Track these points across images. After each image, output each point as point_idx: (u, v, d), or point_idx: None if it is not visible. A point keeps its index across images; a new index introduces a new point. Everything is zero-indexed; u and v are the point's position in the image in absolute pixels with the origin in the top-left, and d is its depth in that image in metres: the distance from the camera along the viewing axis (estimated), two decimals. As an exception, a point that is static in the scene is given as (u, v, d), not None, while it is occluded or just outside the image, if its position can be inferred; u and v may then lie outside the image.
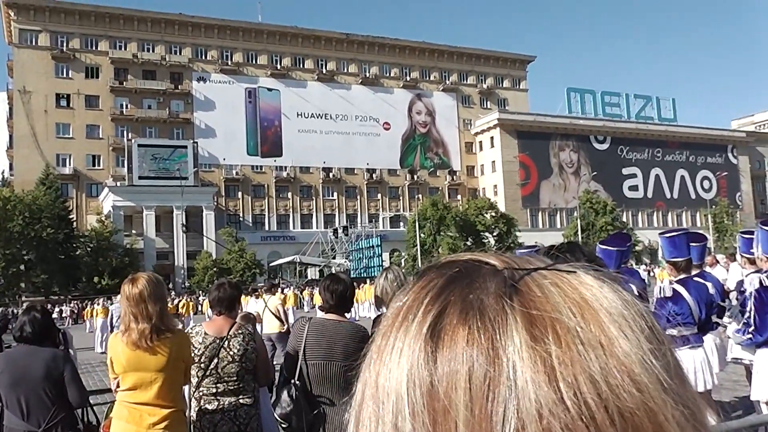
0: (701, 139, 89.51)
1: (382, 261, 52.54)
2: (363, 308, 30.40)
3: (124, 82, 66.98)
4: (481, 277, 0.46)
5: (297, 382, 4.09)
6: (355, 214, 74.20)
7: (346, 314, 4.39)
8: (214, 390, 4.06)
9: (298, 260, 50.71)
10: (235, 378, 4.11)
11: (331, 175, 74.45)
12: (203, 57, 71.10)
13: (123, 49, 67.68)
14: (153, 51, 68.86)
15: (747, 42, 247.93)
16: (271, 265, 56.65)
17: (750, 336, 5.35)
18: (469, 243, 62.40)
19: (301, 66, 75.67)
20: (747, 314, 5.53)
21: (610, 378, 0.39)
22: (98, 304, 26.77)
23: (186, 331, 4.27)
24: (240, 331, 4.21)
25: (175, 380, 3.75)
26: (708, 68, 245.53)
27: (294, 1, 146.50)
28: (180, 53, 70.05)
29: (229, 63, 71.63)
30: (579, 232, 65.99)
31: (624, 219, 75.20)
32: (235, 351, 4.13)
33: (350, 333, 4.10)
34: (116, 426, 3.68)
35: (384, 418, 0.42)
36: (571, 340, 0.40)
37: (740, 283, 7.79)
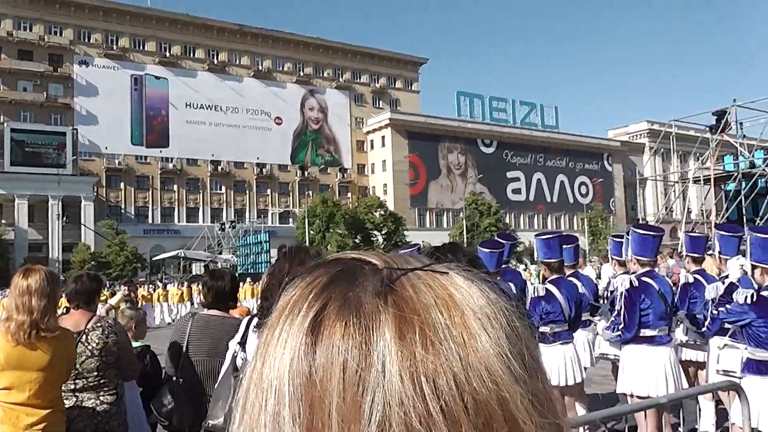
0: (580, 146, 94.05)
1: (270, 257, 51.90)
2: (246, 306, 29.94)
3: (-3, 61, 62.73)
4: (362, 275, 0.49)
5: (179, 380, 4.00)
6: (243, 209, 72.94)
7: (231, 311, 4.34)
8: (72, 386, 3.86)
9: (183, 255, 49.13)
10: (95, 373, 3.93)
11: (219, 168, 72.79)
12: (86, 40, 67.60)
13: (-4, 26, 63.37)
14: (30, 30, 64.77)
15: (625, 57, 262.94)
16: (153, 259, 54.65)
17: (619, 333, 5.68)
18: (357, 241, 62.77)
19: (192, 55, 73.52)
20: (616, 312, 5.88)
21: (469, 371, 0.43)
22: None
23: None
24: (99, 324, 4.01)
25: (56, 380, 3.59)
26: (589, 80, 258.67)
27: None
28: (61, 34, 66.30)
29: (115, 48, 68.53)
30: (464, 233, 67.79)
31: (507, 221, 77.86)
32: (94, 345, 3.92)
33: (235, 329, 4.05)
34: (-10, 427, 3.48)
35: (266, 406, 0.46)
36: (435, 337, 0.44)
37: (611, 282, 8.29)
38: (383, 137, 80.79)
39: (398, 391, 0.42)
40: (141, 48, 70.44)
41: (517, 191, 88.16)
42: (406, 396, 0.42)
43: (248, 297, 26.27)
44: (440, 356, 0.44)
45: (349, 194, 79.28)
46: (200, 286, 4.47)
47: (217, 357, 3.93)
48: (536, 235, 6.67)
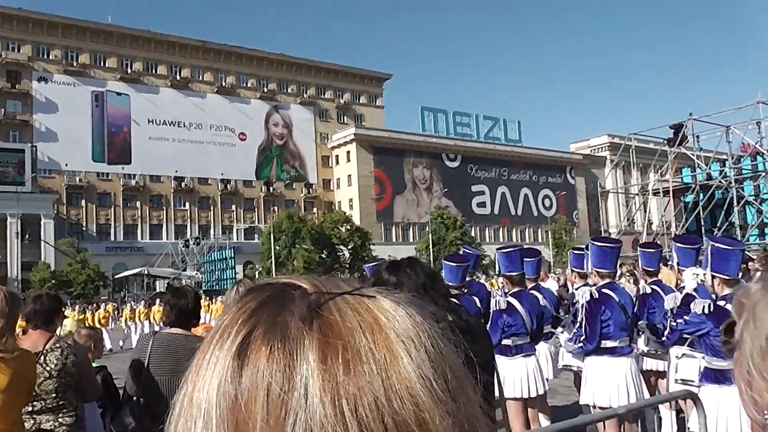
0: (543, 160, 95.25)
1: (236, 273, 51.40)
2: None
3: (-47, 78, 61.42)
4: (290, 300, 0.50)
5: (140, 399, 3.95)
6: (208, 226, 72.25)
7: (194, 328, 4.30)
8: (30, 408, 3.79)
9: (146, 272, 48.46)
10: (53, 395, 3.86)
11: (183, 184, 72.06)
12: (45, 56, 66.59)
13: (-48, 42, 62.13)
14: (-13, 46, 63.67)
15: (585, 71, 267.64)
16: (116, 277, 53.70)
17: (581, 345, 5.75)
18: (324, 256, 62.58)
19: (154, 71, 72.86)
20: (578, 324, 5.95)
21: (390, 393, 0.45)
22: None
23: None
24: (57, 345, 3.94)
25: (15, 402, 3.50)
26: (551, 94, 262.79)
27: (148, 4, 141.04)
28: (18, 50, 65.21)
29: (75, 64, 67.59)
30: (431, 246, 68.01)
31: (473, 234, 78.36)
32: (52, 366, 3.86)
33: (197, 347, 4.02)
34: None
35: (195, 429, 0.47)
36: (358, 360, 0.45)
37: (572, 295, 8.38)
38: (348, 152, 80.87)
39: (319, 414, 0.43)
40: (102, 64, 69.59)
41: (481, 205, 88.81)
42: (326, 419, 0.43)
43: (213, 314, 25.69)
44: (362, 379, 0.45)
45: (315, 209, 79.08)
46: (162, 305, 4.43)
47: (179, 375, 3.89)
48: (497, 249, 6.75)
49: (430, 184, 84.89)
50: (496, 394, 2.84)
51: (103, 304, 31.89)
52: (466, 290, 7.15)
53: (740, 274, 6.60)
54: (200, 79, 75.62)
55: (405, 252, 77.37)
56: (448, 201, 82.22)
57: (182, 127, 72.78)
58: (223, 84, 76.63)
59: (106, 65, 69.73)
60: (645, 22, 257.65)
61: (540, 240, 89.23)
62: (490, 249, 74.90)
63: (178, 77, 73.76)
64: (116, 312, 33.38)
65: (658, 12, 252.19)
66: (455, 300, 2.65)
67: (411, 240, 79.85)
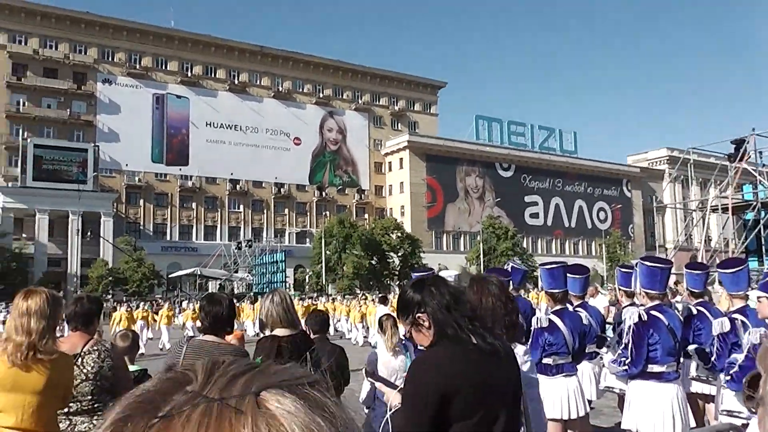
0: (599, 172, 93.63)
1: (286, 277, 52.00)
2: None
3: (23, 79, 63.64)
4: (163, 402, 0.49)
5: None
6: (260, 228, 73.23)
7: (227, 336, 4.32)
8: (66, 409, 3.86)
9: (199, 272, 49.36)
10: (89, 397, 3.92)
11: (238, 187, 73.25)
12: (110, 59, 68.66)
13: (23, 44, 64.47)
14: (56, 48, 65.89)
15: (644, 83, 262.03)
16: (170, 276, 54.90)
17: (626, 368, 5.57)
18: (374, 262, 62.71)
19: (213, 75, 74.37)
20: (623, 346, 5.77)
21: None
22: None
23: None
24: (95, 348, 4.00)
25: (51, 404, 3.57)
26: (608, 105, 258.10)
27: (208, 9, 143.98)
28: (85, 53, 67.39)
29: (138, 67, 69.51)
30: (481, 256, 67.50)
31: (524, 245, 77.52)
32: (89, 369, 3.92)
33: (230, 355, 4.02)
34: (-23, 451, 3.47)
35: None
36: None
37: (619, 314, 8.16)
38: (401, 159, 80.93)
39: None
40: (163, 67, 71.39)
41: (534, 215, 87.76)
42: None
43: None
44: None
45: (366, 215, 79.34)
46: (198, 311, 4.46)
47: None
48: (540, 265, 6.60)
49: (483, 193, 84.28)
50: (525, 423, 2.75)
51: (166, 302, 32.42)
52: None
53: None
54: (257, 83, 76.82)
55: (455, 261, 77.28)
56: (501, 211, 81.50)
57: (238, 131, 74.03)
58: (280, 89, 77.68)
59: (168, 68, 71.50)
60: (704, 35, 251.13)
61: (593, 253, 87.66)
62: (542, 260, 73.90)
63: (236, 81, 75.11)
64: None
65: (719, 24, 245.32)
66: (479, 322, 2.57)
67: (462, 249, 79.40)
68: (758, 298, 4.92)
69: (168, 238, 68.56)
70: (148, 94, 69.28)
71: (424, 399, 2.32)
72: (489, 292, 3.27)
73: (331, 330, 25.67)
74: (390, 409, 2.93)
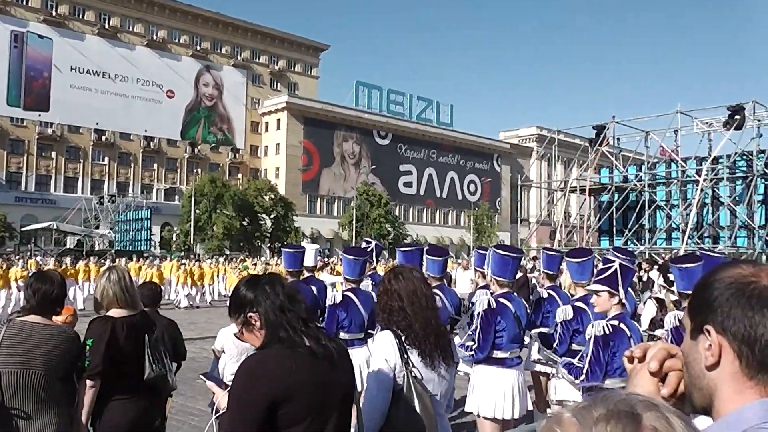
0: (472, 145, 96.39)
1: (151, 235, 50.06)
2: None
3: None
4: None
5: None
6: (126, 183, 70.02)
7: (55, 317, 4.02)
8: None
9: (56, 227, 46.45)
10: None
11: (103, 138, 69.43)
12: (-38, -12, 62.61)
13: None
14: None
15: (521, 60, 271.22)
16: (23, 230, 51.34)
17: (472, 354, 5.70)
18: (245, 223, 61.67)
19: (81, 17, 69.50)
20: (472, 331, 5.90)
21: None
22: None
23: None
24: None
25: None
26: (486, 81, 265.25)
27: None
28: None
29: (-6, 0, 63.78)
30: (354, 222, 68.05)
31: (397, 213, 78.84)
32: None
33: (55, 338, 3.73)
34: None
35: None
36: None
37: (472, 294, 8.38)
38: (279, 120, 79.69)
39: None
40: (24, 3, 65.90)
41: (408, 184, 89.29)
42: None
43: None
44: None
45: (240, 175, 77.76)
46: (25, 288, 4.11)
47: (31, 368, 3.60)
48: (397, 247, 6.68)
49: (359, 159, 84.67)
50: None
51: (20, 259, 28.82)
52: (368, 281, 7.06)
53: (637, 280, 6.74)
54: (130, 30, 72.68)
55: (328, 225, 77.44)
56: (376, 178, 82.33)
57: (107, 78, 69.90)
58: (154, 37, 73.94)
59: (29, 4, 66.09)
60: (580, 23, 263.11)
61: (462, 224, 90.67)
62: (413, 229, 75.27)
63: (106, 25, 70.63)
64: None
65: (594, 16, 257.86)
66: (316, 324, 2.51)
67: (335, 214, 79.71)
68: (597, 292, 5.12)
69: (23, 188, 64.15)
70: (6, 30, 63.78)
71: (252, 405, 2.21)
72: (416, 279, 3.25)
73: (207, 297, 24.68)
74: (216, 412, 2.82)
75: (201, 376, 2.87)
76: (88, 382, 3.72)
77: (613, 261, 5.21)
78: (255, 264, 30.58)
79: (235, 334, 2.73)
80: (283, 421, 2.23)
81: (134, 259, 29.63)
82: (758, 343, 1.08)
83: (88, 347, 3.75)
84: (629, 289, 7.53)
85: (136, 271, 24.37)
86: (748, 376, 1.09)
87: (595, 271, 5.66)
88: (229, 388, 2.47)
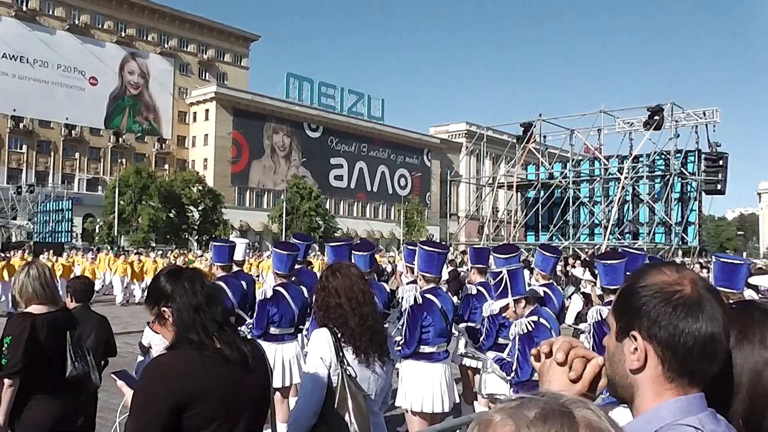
0: (403, 140, 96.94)
1: (73, 226, 48.38)
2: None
3: None
4: None
5: None
6: (46, 172, 67.35)
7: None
8: None
9: (-32, 217, 44.32)
10: None
11: (21, 125, 66.55)
12: None
13: None
14: None
15: (452, 57, 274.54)
16: (-68, 220, 48.68)
17: (399, 348, 5.77)
18: (172, 215, 60.31)
19: (-4, -2, 66.34)
20: (400, 326, 5.96)
21: None
22: None
23: None
24: None
25: None
26: (416, 76, 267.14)
27: None
28: None
29: None
30: (284, 215, 67.49)
31: (327, 206, 78.60)
32: None
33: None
34: None
35: None
36: None
37: (403, 290, 8.43)
38: (207, 111, 78.17)
39: None
40: (-65, -19, 62.45)
41: (339, 178, 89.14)
42: None
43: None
44: None
45: (167, 166, 75.99)
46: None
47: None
48: (326, 242, 6.71)
49: (289, 152, 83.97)
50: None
51: None
52: (294, 279, 7.02)
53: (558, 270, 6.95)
54: (50, 13, 69.80)
55: (257, 218, 76.57)
56: (306, 171, 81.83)
57: (25, 63, 66.97)
58: (76, 22, 71.22)
59: (-60, -17, 62.70)
60: (509, 22, 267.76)
61: (392, 218, 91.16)
62: (344, 222, 75.10)
63: (24, 8, 67.60)
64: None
65: (522, 17, 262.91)
66: (230, 327, 2.48)
67: (265, 206, 78.88)
68: (502, 307, 5.39)
69: (-67, 176, 60.93)
70: None
71: (155, 407, 2.16)
72: (353, 275, 3.24)
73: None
74: (119, 414, 2.75)
75: (112, 375, 2.77)
76: (6, 381, 3.61)
77: (500, 271, 5.46)
78: (199, 257, 29.78)
79: (148, 323, 2.68)
80: (190, 424, 2.19)
81: (63, 254, 27.67)
82: (681, 349, 1.16)
83: (6, 345, 3.63)
84: (555, 284, 7.78)
85: (67, 266, 21.60)
86: (669, 379, 1.18)
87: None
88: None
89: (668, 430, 1.13)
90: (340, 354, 3.09)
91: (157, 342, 5.38)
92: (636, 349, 1.19)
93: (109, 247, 41.03)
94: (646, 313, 1.19)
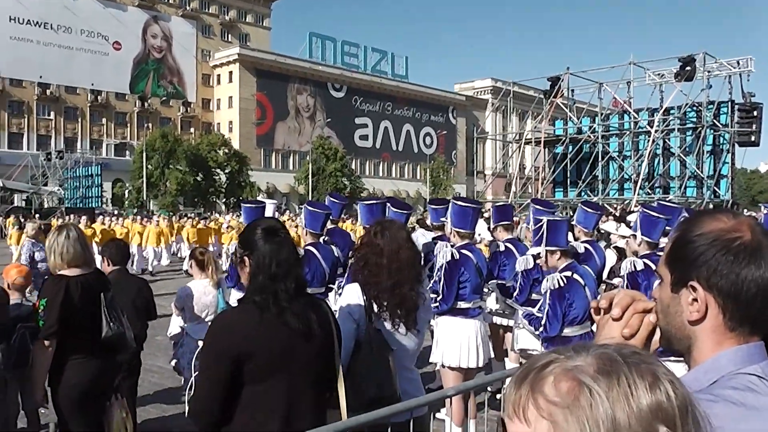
0: (428, 98, 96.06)
1: (102, 191, 49.03)
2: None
3: None
4: None
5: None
6: (74, 138, 68.02)
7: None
8: None
9: (1, 184, 45.00)
10: None
11: (48, 92, 67.07)
12: None
13: None
14: None
15: (476, 13, 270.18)
16: (-34, 187, 49.50)
17: (437, 305, 5.71)
18: (199, 179, 60.73)
19: (18, -36, 66.24)
20: (434, 281, 5.90)
21: None
22: None
23: None
24: None
25: None
26: (441, 33, 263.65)
27: None
28: None
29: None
30: (310, 176, 67.62)
31: (353, 166, 78.53)
32: None
33: None
34: None
35: None
36: None
37: (430, 244, 8.34)
38: (231, 73, 78.01)
39: None
40: (-43, -51, 62.50)
41: (364, 138, 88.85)
42: None
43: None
44: None
45: (192, 129, 76.24)
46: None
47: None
48: (359, 201, 6.65)
49: (314, 112, 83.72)
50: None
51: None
52: (327, 239, 6.99)
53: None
54: (71, -22, 69.65)
55: (284, 180, 76.83)
56: (331, 131, 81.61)
57: (49, 29, 67.14)
58: (97, -14, 71.02)
59: (-38, -49, 62.73)
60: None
61: (418, 177, 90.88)
62: (370, 182, 75.15)
63: (45, -26, 67.53)
64: None
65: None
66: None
67: (290, 168, 79.03)
68: (536, 255, 5.27)
69: (-35, 144, 61.81)
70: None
71: (218, 357, 2.34)
72: (401, 238, 3.18)
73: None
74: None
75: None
76: (45, 343, 3.65)
77: (541, 220, 5.36)
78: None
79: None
80: (250, 376, 2.34)
81: (97, 219, 26.95)
82: (744, 298, 1.12)
83: (42, 307, 3.66)
84: (597, 241, 7.64)
85: (107, 232, 20.01)
86: (730, 329, 1.14)
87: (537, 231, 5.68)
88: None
89: (730, 379, 1.09)
90: (369, 311, 3.10)
91: (189, 305, 5.44)
92: (695, 300, 1.15)
93: (135, 211, 41.21)
94: (705, 263, 1.14)
